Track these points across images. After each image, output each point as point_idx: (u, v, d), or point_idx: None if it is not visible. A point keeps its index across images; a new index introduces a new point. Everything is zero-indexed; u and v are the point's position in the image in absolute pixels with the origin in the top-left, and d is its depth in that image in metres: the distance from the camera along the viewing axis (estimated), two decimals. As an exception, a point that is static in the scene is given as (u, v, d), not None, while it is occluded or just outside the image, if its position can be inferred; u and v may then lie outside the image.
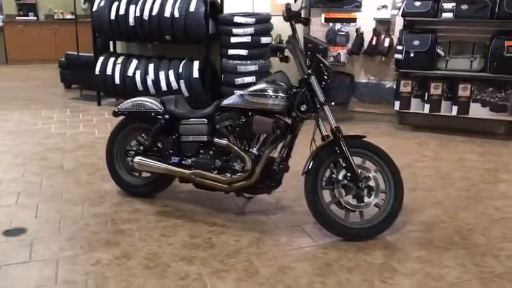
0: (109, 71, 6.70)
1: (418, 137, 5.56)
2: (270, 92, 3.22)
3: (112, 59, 6.75)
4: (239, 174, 3.28)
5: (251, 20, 5.94)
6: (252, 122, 3.25)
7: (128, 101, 3.71)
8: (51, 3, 11.65)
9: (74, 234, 3.14)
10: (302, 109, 3.24)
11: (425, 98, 5.65)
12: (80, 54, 7.68)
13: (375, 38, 5.84)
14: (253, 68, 6.05)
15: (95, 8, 6.69)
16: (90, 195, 3.79)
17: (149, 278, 2.66)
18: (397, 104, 5.80)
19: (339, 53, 6.11)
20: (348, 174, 3.14)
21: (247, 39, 5.98)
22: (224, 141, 3.34)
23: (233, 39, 6.03)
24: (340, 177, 3.15)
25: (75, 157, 4.71)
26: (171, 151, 3.53)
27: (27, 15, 11.44)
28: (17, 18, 11.38)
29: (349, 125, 6.02)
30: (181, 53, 6.54)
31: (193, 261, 2.85)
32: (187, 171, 3.41)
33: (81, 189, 3.91)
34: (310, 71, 3.21)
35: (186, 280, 2.65)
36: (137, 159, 3.54)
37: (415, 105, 5.75)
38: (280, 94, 3.22)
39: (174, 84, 6.35)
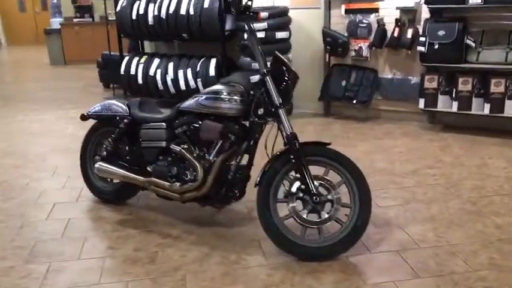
0: (132, 70, 6.71)
1: (443, 139, 4.97)
2: (224, 95, 2.95)
3: (136, 59, 6.76)
4: (190, 183, 3.05)
5: (264, 14, 5.64)
6: (199, 128, 3.02)
7: (99, 104, 3.61)
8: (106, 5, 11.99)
9: (26, 242, 3.09)
10: (259, 113, 2.96)
11: (453, 95, 5.04)
12: (112, 54, 7.80)
13: (397, 30, 5.30)
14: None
15: (118, 8, 6.72)
16: (66, 199, 3.74)
17: (68, 295, 2.52)
18: (421, 102, 5.24)
19: (360, 47, 5.63)
20: (302, 186, 2.80)
21: (261, 34, 5.68)
22: (177, 148, 3.13)
23: (247, 35, 5.76)
24: (294, 189, 2.82)
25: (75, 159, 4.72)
26: (128, 157, 3.39)
27: (83, 17, 11.89)
28: (74, 20, 11.86)
29: (371, 125, 5.56)
30: (203, 51, 6.38)
31: (124, 278, 2.67)
32: (141, 179, 3.24)
33: (60, 192, 3.87)
34: (265, 71, 2.91)
35: (105, 299, 2.48)
36: (97, 164, 3.43)
37: (443, 103, 5.16)
38: (235, 97, 2.95)
39: (192, 83, 6.22)
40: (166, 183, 3.13)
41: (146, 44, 7.36)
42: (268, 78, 2.88)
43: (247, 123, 3.02)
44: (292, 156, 2.81)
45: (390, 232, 3.09)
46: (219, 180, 3.02)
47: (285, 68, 2.96)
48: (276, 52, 3.05)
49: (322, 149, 2.89)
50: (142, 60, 6.70)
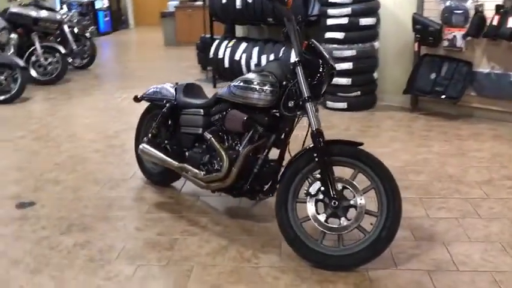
0: (220, 54, 6.78)
1: (541, 146, 4.30)
2: (254, 84, 2.81)
3: (225, 42, 6.82)
4: (215, 173, 2.98)
5: (342, -1, 5.30)
6: (225, 117, 2.92)
7: (153, 86, 3.67)
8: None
9: (68, 214, 3.27)
10: (289, 105, 2.77)
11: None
12: (207, 36, 7.95)
13: (497, 17, 4.65)
14: (349, 53, 5.42)
15: (210, -8, 6.80)
16: (120, 176, 3.90)
17: (80, 273, 2.61)
18: (519, 101, 4.58)
19: (454, 36, 5.04)
20: (322, 188, 2.58)
21: (344, 20, 5.36)
22: (208, 136, 3.06)
23: (329, 21, 5.48)
24: (313, 191, 2.61)
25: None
26: (167, 141, 3.41)
27: (195, 1, 12.29)
28: (187, 3, 12.32)
29: (459, 124, 4.99)
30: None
31: (137, 261, 2.70)
32: (176, 164, 3.24)
33: (118, 170, 4.05)
34: (297, 60, 2.70)
35: (110, 280, 2.53)
36: (141, 146, 3.49)
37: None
38: (265, 87, 2.79)
39: (273, 69, 6.10)
40: (195, 171, 3.10)
41: (238, 28, 7.38)
42: (299, 68, 2.68)
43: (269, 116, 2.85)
44: (315, 155, 2.60)
45: (429, 248, 2.74)
46: (245, 173, 2.90)
47: (320, 59, 2.71)
48: (313, 40, 2.81)
49: (351, 149, 2.64)
50: (231, 44, 6.73)
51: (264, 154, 2.87)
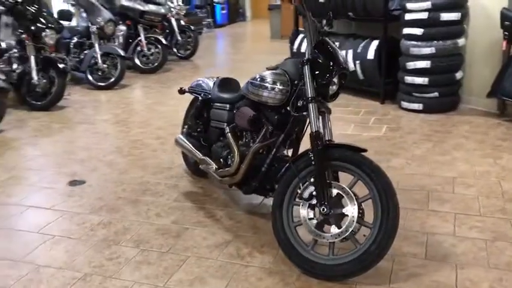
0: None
1: None
2: (266, 83, 2.78)
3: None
4: (227, 168, 3.01)
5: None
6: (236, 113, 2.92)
7: (197, 79, 3.79)
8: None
9: (103, 195, 3.55)
10: (299, 105, 2.71)
11: None
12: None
13: None
14: (428, 50, 5.03)
15: (297, -15, 6.75)
16: (166, 165, 4.11)
17: (89, 250, 2.83)
18: None
19: (548, 34, 4.44)
20: (314, 193, 2.48)
21: (423, 15, 4.99)
22: (227, 130, 3.09)
23: (407, 16, 5.14)
24: (306, 194, 2.52)
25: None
26: (197, 133, 3.50)
27: (304, -7, 12.25)
28: (296, -4, 12.35)
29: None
30: (375, 32, 5.93)
31: (143, 246, 2.85)
32: (198, 156, 3.32)
33: (167, 158, 4.26)
34: (304, 59, 2.62)
35: (111, 260, 2.71)
36: (177, 136, 3.63)
37: None
38: (277, 86, 2.75)
39: (351, 65, 5.90)
40: (212, 164, 3.16)
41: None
42: (306, 67, 2.59)
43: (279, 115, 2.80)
44: (313, 158, 2.51)
45: (436, 269, 2.49)
46: (254, 171, 2.90)
47: (331, 59, 2.59)
48: (325, 38, 2.69)
49: (353, 155, 2.49)
50: (314, 38, 6.63)
51: (273, 153, 2.84)
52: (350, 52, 5.88)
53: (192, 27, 9.73)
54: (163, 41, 8.39)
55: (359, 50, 5.78)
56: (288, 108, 2.75)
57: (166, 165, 4.11)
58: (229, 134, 3.05)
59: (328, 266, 2.44)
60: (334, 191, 2.47)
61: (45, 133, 5.18)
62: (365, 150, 2.51)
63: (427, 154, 4.05)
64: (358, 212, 2.48)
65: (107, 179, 3.86)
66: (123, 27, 8.47)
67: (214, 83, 3.53)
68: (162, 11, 8.79)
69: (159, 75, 8.25)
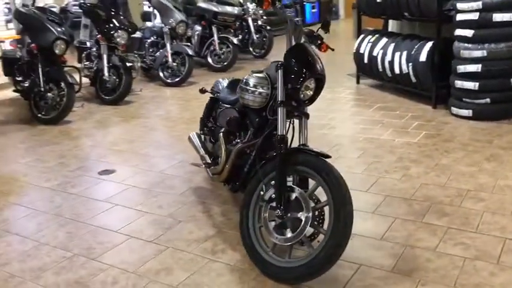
0: (362, 48, 6.58)
1: None
2: (249, 86, 2.86)
3: (369, 37, 6.58)
4: (214, 167, 3.12)
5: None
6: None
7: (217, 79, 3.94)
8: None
9: (123, 185, 3.85)
10: (274, 108, 2.75)
11: None
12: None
13: None
14: (479, 53, 4.70)
15: (360, -15, 6.61)
16: (190, 159, 4.31)
17: (88, 234, 3.13)
18: None
19: None
20: (273, 196, 2.51)
21: (474, 16, 4.66)
22: (221, 130, 3.20)
23: (459, 16, 4.83)
24: (266, 197, 2.56)
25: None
26: (203, 132, 3.64)
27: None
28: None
29: None
30: (433, 33, 5.65)
31: (133, 234, 3.08)
32: (200, 152, 3.46)
33: (191, 153, 4.47)
34: (278, 64, 2.66)
35: (102, 244, 2.97)
36: (190, 134, 3.80)
37: None
38: (259, 89, 2.82)
39: (404, 67, 5.68)
40: (206, 161, 3.29)
41: (392, 22, 6.99)
42: (279, 71, 2.63)
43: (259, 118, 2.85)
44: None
45: (396, 283, 2.41)
46: (238, 170, 2.98)
47: (305, 64, 2.60)
48: (302, 43, 2.71)
49: (315, 160, 2.48)
50: (373, 39, 6.47)
51: (253, 154, 2.90)
52: (404, 54, 5.65)
53: (268, 27, 9.90)
54: (235, 41, 8.65)
55: (413, 52, 5.54)
56: (264, 111, 2.80)
57: (191, 160, 4.31)
58: (221, 134, 3.16)
59: (282, 268, 2.46)
60: (294, 195, 2.49)
61: (103, 125, 5.67)
62: (329, 157, 2.50)
63: (453, 164, 3.82)
64: (316, 218, 2.49)
65: (134, 170, 4.16)
66: (198, 28, 8.90)
67: (227, 83, 3.66)
68: (236, 12, 9.07)
69: (229, 73, 8.53)
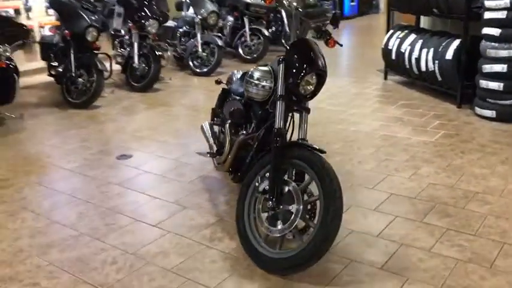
0: (390, 44, 6.49)
1: None
2: (253, 79, 2.91)
3: (398, 33, 6.47)
4: (219, 156, 3.20)
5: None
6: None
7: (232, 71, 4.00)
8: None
9: (136, 170, 3.98)
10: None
11: None
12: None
13: None
14: (505, 53, 4.57)
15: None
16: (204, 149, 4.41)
17: (97, 215, 3.27)
18: None
19: None
20: (266, 187, 2.56)
21: (501, 14, 4.52)
22: (227, 121, 3.26)
23: (486, 14, 4.70)
24: (260, 188, 2.61)
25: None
26: (215, 122, 3.71)
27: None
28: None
29: None
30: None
31: (137, 217, 3.20)
32: (209, 142, 3.54)
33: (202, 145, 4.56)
34: (280, 58, 2.70)
35: (107, 226, 3.11)
36: (203, 123, 3.88)
37: None
38: (263, 83, 2.87)
39: (430, 65, 5.57)
40: (208, 152, 3.36)
41: (424, 19, 6.84)
42: (281, 65, 2.67)
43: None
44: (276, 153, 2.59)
45: (381, 281, 2.42)
46: (240, 161, 3.04)
47: (306, 59, 2.63)
48: (306, 38, 2.74)
49: (309, 155, 2.52)
50: (402, 35, 6.37)
51: (255, 146, 2.95)
52: (431, 51, 5.55)
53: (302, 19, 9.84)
54: (266, 33, 8.67)
55: (440, 49, 5.42)
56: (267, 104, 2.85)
57: (207, 150, 4.40)
58: (227, 124, 3.22)
59: (272, 259, 2.52)
60: (287, 188, 2.53)
61: (129, 111, 5.84)
62: (323, 152, 2.52)
63: (466, 165, 3.76)
64: (308, 212, 2.53)
65: (150, 156, 4.30)
66: (230, 18, 8.97)
67: (240, 74, 3.71)
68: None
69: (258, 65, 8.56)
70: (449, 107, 5.37)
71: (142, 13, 6.90)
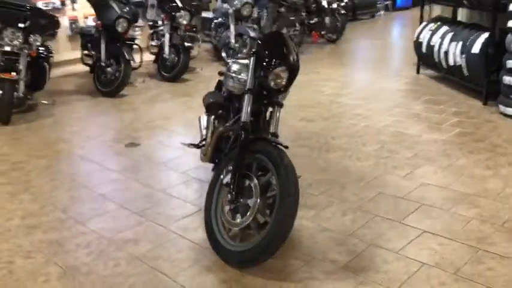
0: (421, 37, 6.24)
1: None
2: (231, 72, 2.92)
3: (430, 25, 6.21)
4: (202, 147, 3.22)
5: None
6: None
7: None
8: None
9: (138, 157, 4.10)
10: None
11: None
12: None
13: None
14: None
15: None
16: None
17: (94, 198, 3.41)
18: None
19: None
20: (228, 181, 2.57)
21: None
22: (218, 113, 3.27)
23: (511, 7, 4.41)
24: (224, 181, 2.62)
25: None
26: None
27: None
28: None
29: None
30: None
31: (125, 204, 3.30)
32: (202, 132, 3.56)
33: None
34: (252, 51, 2.69)
35: (94, 211, 3.24)
36: (201, 115, 3.91)
37: None
38: (239, 76, 2.87)
39: (457, 59, 5.31)
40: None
41: (462, 11, 6.50)
42: (251, 59, 2.66)
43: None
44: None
45: (338, 279, 2.37)
46: (218, 153, 3.06)
47: (276, 52, 2.60)
48: (280, 31, 2.71)
49: (270, 150, 2.50)
50: (434, 27, 6.10)
51: (231, 138, 2.95)
52: (460, 44, 5.28)
53: (343, 11, 9.66)
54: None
55: (468, 43, 5.16)
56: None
57: (212, 140, 4.46)
58: (212, 117, 3.24)
59: (230, 251, 2.53)
60: (247, 182, 2.53)
61: (152, 101, 5.99)
62: (286, 147, 2.50)
63: (469, 166, 3.57)
64: (268, 206, 2.51)
65: (156, 145, 4.41)
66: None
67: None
68: (305, -7, 8.97)
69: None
70: (475, 104, 5.11)
71: (174, 4, 7.03)
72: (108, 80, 6.29)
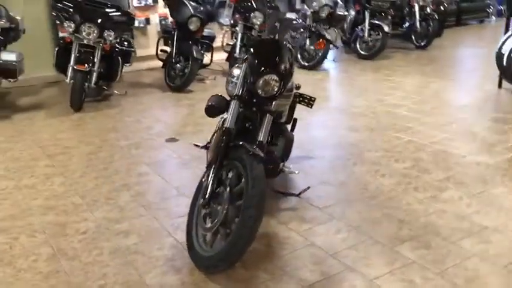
0: (504, 49, 5.65)
1: None
2: (231, 77, 2.93)
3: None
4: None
5: None
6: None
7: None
8: None
9: (162, 149, 4.24)
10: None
11: None
12: None
13: None
14: None
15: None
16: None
17: (103, 179, 3.62)
18: None
19: None
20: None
21: None
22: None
23: None
24: (204, 184, 2.62)
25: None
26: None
27: None
28: None
29: None
30: None
31: (140, 202, 3.45)
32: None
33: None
34: (245, 56, 2.68)
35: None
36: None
37: None
38: (236, 81, 2.85)
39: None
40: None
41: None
42: (244, 65, 2.64)
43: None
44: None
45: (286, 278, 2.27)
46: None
47: (266, 60, 2.56)
48: (275, 37, 2.64)
49: (245, 158, 2.47)
50: (517, 37, 5.52)
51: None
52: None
53: (436, 16, 9.08)
54: (385, 29, 8.22)
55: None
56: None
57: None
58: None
59: (199, 256, 2.53)
60: (221, 189, 2.51)
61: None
62: (263, 158, 2.44)
63: (503, 196, 3.20)
64: (236, 215, 2.47)
65: (192, 141, 4.50)
66: (352, 12, 8.71)
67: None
68: (395, -3, 8.57)
69: (373, 61, 8.18)
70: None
71: (248, 4, 7.12)
72: (176, 75, 6.57)
